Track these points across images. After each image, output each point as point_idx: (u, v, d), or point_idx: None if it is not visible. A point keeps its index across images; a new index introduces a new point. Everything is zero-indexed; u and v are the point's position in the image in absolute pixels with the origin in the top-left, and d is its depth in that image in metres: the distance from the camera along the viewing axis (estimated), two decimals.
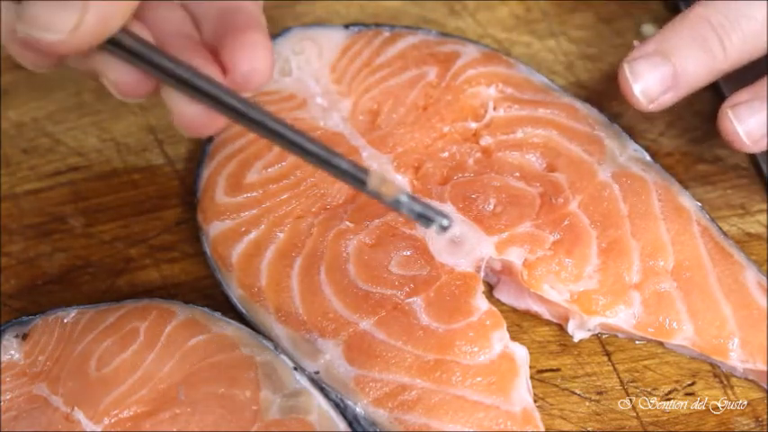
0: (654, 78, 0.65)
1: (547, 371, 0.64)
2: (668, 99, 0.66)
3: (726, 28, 0.64)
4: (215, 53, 0.54)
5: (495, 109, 0.71)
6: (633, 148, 0.69)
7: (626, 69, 0.65)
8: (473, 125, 0.71)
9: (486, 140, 0.70)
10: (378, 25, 0.77)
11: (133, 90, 0.53)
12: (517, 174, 0.68)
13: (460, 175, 0.68)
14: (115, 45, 0.51)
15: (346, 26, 0.76)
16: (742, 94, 0.65)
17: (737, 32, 0.64)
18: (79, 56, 0.52)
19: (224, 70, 0.53)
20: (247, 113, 0.52)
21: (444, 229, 0.53)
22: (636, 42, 0.67)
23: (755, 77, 0.66)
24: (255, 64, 0.53)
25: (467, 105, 0.71)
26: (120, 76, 0.52)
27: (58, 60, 0.53)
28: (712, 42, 0.64)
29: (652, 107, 0.66)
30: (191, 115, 0.52)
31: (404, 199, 0.52)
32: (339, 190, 0.68)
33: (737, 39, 0.64)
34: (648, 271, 0.64)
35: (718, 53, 0.65)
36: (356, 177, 0.52)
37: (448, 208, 0.66)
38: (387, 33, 0.75)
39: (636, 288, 0.64)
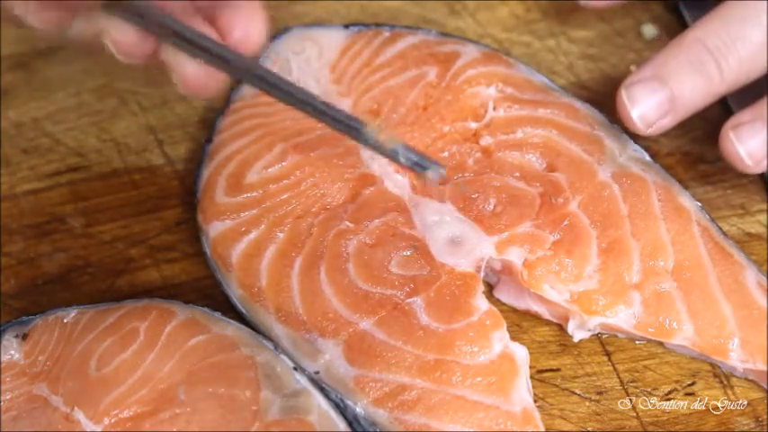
0: (651, 103, 0.65)
1: (547, 371, 0.64)
2: (666, 123, 0.66)
3: (722, 51, 0.65)
4: (210, 21, 0.57)
5: (495, 109, 0.71)
6: (633, 148, 0.69)
7: (623, 94, 0.66)
8: (473, 125, 0.71)
9: (486, 140, 0.70)
10: (378, 25, 0.77)
11: (133, 50, 0.56)
12: (517, 174, 0.68)
13: (460, 175, 0.68)
14: (122, 8, 0.54)
15: (346, 26, 0.76)
16: (744, 115, 0.65)
17: (734, 55, 0.65)
18: (87, 16, 0.56)
19: (220, 37, 0.56)
20: (247, 68, 0.56)
21: (438, 177, 0.58)
22: (633, 67, 0.67)
23: (759, 87, 0.66)
24: (249, 29, 0.56)
25: (467, 105, 0.71)
26: (122, 36, 0.55)
27: (71, 17, 0.56)
28: (709, 66, 0.65)
29: (650, 131, 0.66)
30: (193, 74, 0.56)
31: (401, 148, 0.58)
32: (339, 190, 0.68)
33: (734, 61, 0.65)
34: (648, 271, 0.64)
35: (715, 76, 0.65)
36: (352, 126, 0.58)
37: (448, 208, 0.66)
38: (387, 33, 0.75)
39: (636, 288, 0.64)
